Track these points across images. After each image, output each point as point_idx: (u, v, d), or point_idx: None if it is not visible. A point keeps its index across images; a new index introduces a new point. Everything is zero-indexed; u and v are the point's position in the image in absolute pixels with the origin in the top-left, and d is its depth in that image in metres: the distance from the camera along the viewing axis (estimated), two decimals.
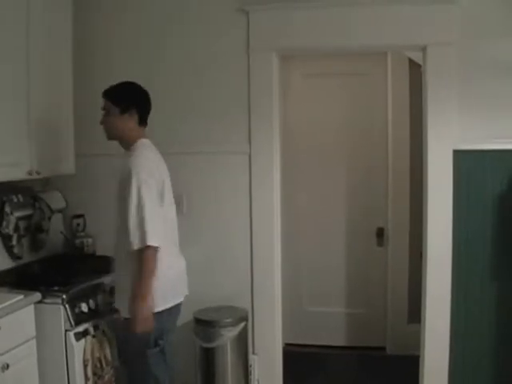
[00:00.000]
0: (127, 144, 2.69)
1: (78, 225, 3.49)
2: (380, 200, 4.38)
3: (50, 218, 3.37)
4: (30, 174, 2.90)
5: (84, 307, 2.75)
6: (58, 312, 2.65)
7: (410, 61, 4.07)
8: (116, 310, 2.71)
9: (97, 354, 2.77)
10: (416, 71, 3.86)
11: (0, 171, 2.68)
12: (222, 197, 3.44)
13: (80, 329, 2.70)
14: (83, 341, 2.71)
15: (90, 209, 3.54)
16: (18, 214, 3.11)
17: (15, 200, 3.11)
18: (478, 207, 3.16)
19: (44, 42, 3.03)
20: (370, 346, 4.46)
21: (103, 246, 3.46)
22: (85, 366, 2.71)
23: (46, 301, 2.66)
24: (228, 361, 3.25)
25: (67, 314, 2.65)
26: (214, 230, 3.45)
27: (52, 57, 3.13)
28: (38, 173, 2.95)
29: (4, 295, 2.57)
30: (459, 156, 3.14)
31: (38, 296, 2.64)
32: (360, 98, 4.39)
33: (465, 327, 3.20)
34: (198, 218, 3.43)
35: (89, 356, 2.72)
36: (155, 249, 2.47)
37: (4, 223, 3.01)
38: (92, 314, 2.80)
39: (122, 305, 2.61)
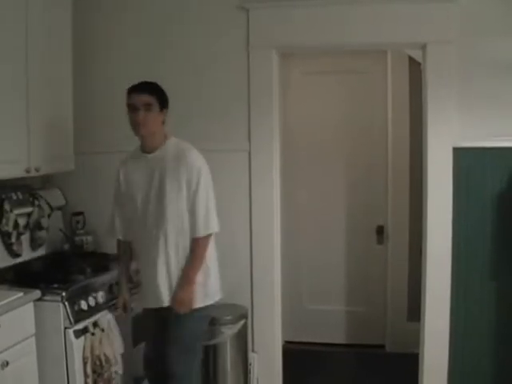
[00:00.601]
0: (160, 139, 2.71)
1: (78, 222, 3.49)
2: (380, 198, 4.38)
3: (49, 216, 3.37)
4: (27, 171, 2.90)
5: (83, 305, 2.75)
6: (58, 309, 2.64)
7: (410, 59, 4.06)
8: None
9: (96, 352, 2.76)
10: (416, 69, 3.86)
11: None
12: (222, 194, 3.41)
13: (79, 326, 2.69)
14: (83, 338, 2.70)
15: (89, 206, 3.54)
16: (17, 211, 3.11)
17: (14, 197, 3.11)
18: (478, 205, 3.16)
19: (43, 41, 3.03)
20: (369, 344, 4.47)
21: (103, 243, 3.46)
22: (84, 364, 2.71)
23: (45, 298, 2.65)
24: (227, 358, 3.26)
25: (67, 312, 2.65)
26: None
27: (51, 56, 3.13)
28: (37, 170, 2.96)
29: (3, 293, 2.56)
30: (459, 154, 3.14)
31: (37, 293, 2.63)
32: (360, 96, 4.38)
33: (464, 326, 3.20)
34: None
35: (88, 353, 2.72)
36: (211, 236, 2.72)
37: (3, 221, 3.01)
38: (91, 312, 2.80)
39: (163, 295, 2.67)
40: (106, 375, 2.82)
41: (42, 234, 3.31)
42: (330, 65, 4.31)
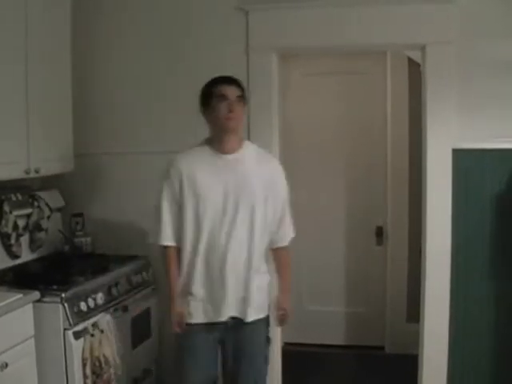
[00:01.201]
0: (240, 139, 2.57)
1: (77, 223, 3.49)
2: (379, 199, 4.39)
3: (48, 217, 3.36)
4: (27, 172, 2.90)
5: (83, 306, 2.74)
6: (57, 311, 2.64)
7: (410, 60, 4.07)
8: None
9: (96, 353, 2.76)
10: (415, 70, 3.86)
11: None
12: None
13: (79, 328, 2.69)
14: (82, 339, 2.70)
15: (88, 208, 3.54)
16: (16, 212, 3.11)
17: (14, 199, 3.11)
18: (477, 206, 3.16)
19: (43, 42, 3.02)
20: (369, 345, 4.47)
21: (102, 244, 3.46)
22: (83, 365, 2.70)
23: (44, 299, 2.65)
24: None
25: (66, 313, 2.64)
26: None
27: (51, 56, 3.12)
28: (36, 171, 2.95)
29: (2, 294, 2.56)
30: (458, 155, 3.13)
31: (36, 295, 2.63)
32: (359, 97, 4.39)
33: (464, 326, 3.20)
34: None
35: (88, 355, 2.72)
36: None
37: (3, 222, 3.01)
38: (91, 313, 2.79)
39: (259, 306, 2.56)
40: (105, 376, 2.82)
41: (42, 235, 3.31)
42: (330, 66, 4.32)
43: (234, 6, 3.31)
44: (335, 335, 4.55)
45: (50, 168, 3.12)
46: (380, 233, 4.41)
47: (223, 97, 2.45)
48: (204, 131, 3.40)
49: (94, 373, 2.75)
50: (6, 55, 2.73)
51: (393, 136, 4.30)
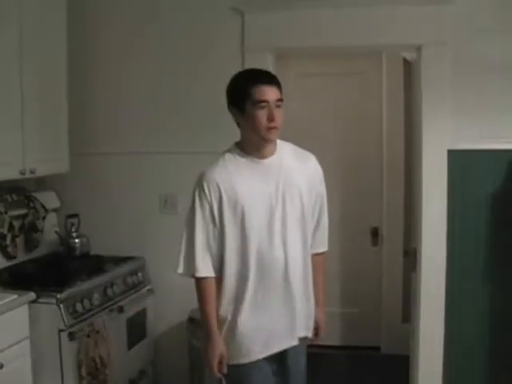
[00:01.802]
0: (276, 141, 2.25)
1: (73, 224, 3.48)
2: (375, 200, 4.39)
3: (44, 218, 3.36)
4: (22, 173, 2.89)
5: (78, 307, 2.75)
6: (53, 312, 2.64)
7: (405, 60, 4.08)
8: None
9: (91, 354, 2.76)
10: (411, 70, 3.86)
11: None
12: None
13: (74, 328, 2.69)
14: (77, 340, 2.70)
15: (84, 208, 3.53)
16: (12, 213, 3.10)
17: (9, 199, 3.11)
18: (473, 207, 3.16)
19: (38, 42, 3.02)
20: (364, 346, 4.47)
21: (98, 245, 3.46)
22: (79, 366, 2.70)
23: (40, 300, 2.65)
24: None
25: (61, 314, 2.64)
26: None
27: (46, 56, 3.12)
28: (32, 172, 2.95)
29: None
30: (453, 156, 3.14)
31: (32, 296, 2.63)
32: (355, 98, 4.39)
33: (459, 326, 3.20)
34: None
35: (83, 356, 2.72)
36: None
37: None
38: (86, 314, 2.79)
39: (308, 320, 2.32)
40: (101, 377, 2.82)
41: (37, 236, 3.31)
42: (326, 67, 4.31)
43: (229, 6, 3.31)
44: (331, 336, 4.54)
45: (45, 169, 3.11)
46: (375, 233, 4.41)
47: (263, 103, 2.08)
48: (202, 132, 3.42)
49: (89, 374, 2.75)
50: (0, 56, 2.73)
51: (388, 135, 4.31)
